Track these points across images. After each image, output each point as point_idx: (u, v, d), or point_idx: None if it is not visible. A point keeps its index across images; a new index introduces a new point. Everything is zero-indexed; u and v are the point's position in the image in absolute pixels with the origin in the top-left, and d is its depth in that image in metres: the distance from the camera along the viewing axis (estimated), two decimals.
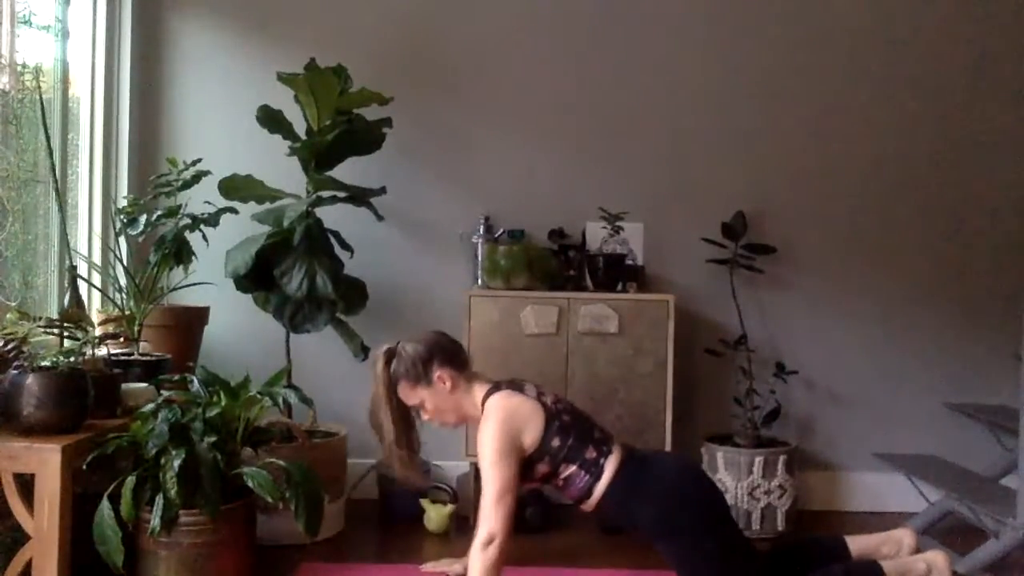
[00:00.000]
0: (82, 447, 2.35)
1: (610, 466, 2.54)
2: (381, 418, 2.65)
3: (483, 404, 2.60)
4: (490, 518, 2.44)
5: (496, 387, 2.63)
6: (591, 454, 2.55)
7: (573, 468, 2.55)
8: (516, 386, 2.64)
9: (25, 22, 2.96)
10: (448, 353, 2.67)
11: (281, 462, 2.66)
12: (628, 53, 3.77)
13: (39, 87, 3.01)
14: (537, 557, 3.05)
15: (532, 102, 3.77)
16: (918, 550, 2.61)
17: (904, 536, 2.63)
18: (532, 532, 3.29)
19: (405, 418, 2.68)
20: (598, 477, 2.53)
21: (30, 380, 2.29)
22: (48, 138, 2.84)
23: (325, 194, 3.35)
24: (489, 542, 2.42)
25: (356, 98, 3.29)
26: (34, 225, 3.12)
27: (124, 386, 2.72)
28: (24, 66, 2.95)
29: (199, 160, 3.26)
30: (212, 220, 3.21)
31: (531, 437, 2.53)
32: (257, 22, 3.74)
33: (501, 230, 3.66)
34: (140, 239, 3.30)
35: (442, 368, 2.63)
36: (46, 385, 2.29)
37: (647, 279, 3.71)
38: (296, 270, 3.19)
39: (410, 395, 2.65)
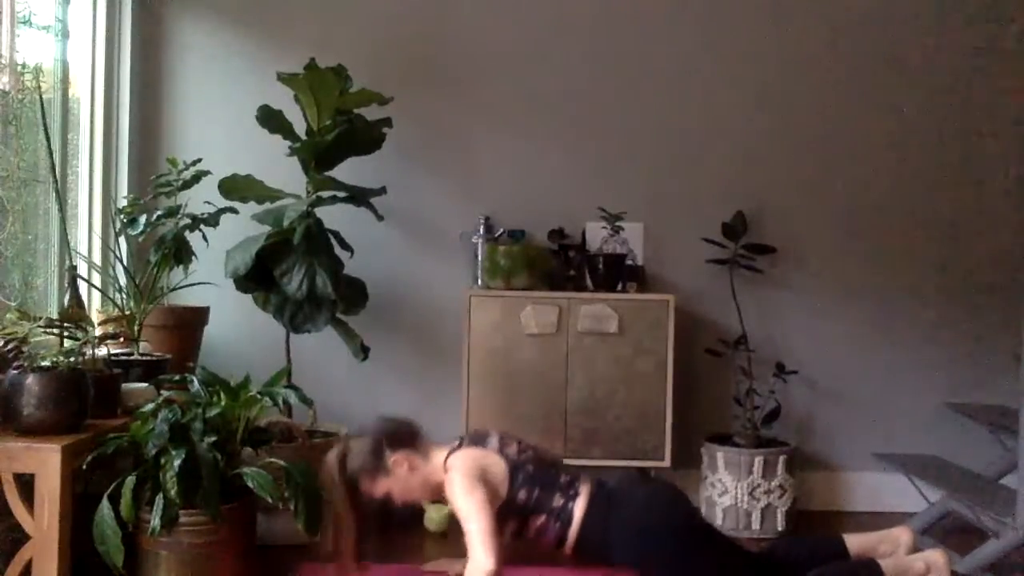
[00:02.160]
0: (82, 447, 2.35)
1: (579, 509, 2.51)
2: (342, 520, 2.56)
3: (445, 463, 2.55)
4: (486, 554, 2.33)
5: (458, 445, 2.61)
6: (558, 501, 2.52)
7: (542, 519, 2.52)
8: (479, 439, 2.62)
9: (25, 22, 2.96)
10: (397, 436, 2.60)
11: (281, 462, 2.65)
12: (628, 53, 3.77)
13: (39, 87, 3.01)
14: (537, 557, 3.04)
15: (532, 102, 3.77)
16: (916, 548, 2.61)
17: (901, 534, 2.63)
18: None
19: (364, 516, 2.59)
20: (568, 523, 2.51)
21: (30, 380, 2.28)
22: (48, 138, 2.84)
23: (325, 194, 3.35)
24: None
25: (356, 98, 3.29)
26: (34, 225, 3.12)
27: (124, 386, 2.72)
28: (24, 66, 2.94)
29: (199, 160, 3.26)
30: (212, 220, 3.21)
31: (497, 491, 2.49)
32: (257, 22, 3.74)
33: (501, 230, 3.66)
34: (140, 239, 3.29)
35: (395, 452, 2.56)
36: (46, 385, 2.29)
37: (647, 279, 3.71)
38: (296, 270, 3.19)
39: (373, 488, 2.57)
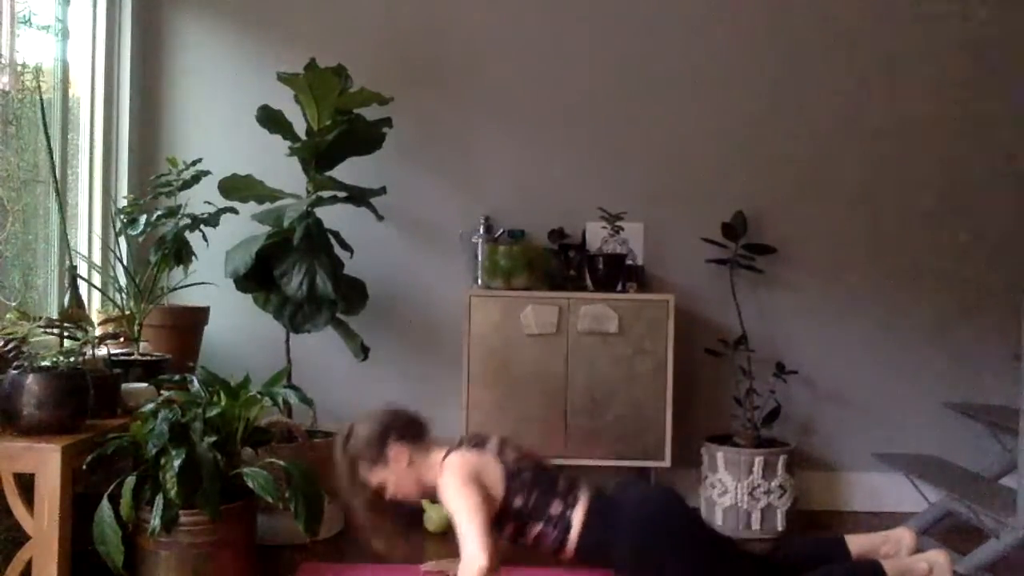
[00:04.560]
0: (82, 447, 2.35)
1: (577, 516, 2.47)
2: (350, 496, 2.58)
3: (442, 464, 2.52)
4: (479, 551, 2.32)
5: (456, 447, 2.56)
6: (556, 508, 2.48)
7: (540, 526, 2.48)
8: (478, 441, 2.58)
9: (25, 22, 2.96)
10: (402, 428, 2.57)
11: (281, 462, 2.65)
12: (628, 53, 3.77)
13: (39, 87, 3.01)
14: (537, 557, 3.04)
15: (532, 102, 3.77)
16: (918, 549, 2.60)
17: (904, 535, 2.63)
18: None
19: (376, 495, 2.59)
20: (567, 530, 2.47)
21: (30, 380, 2.28)
22: (48, 138, 2.83)
23: (325, 194, 3.35)
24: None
25: (356, 98, 3.29)
26: (34, 225, 3.12)
27: (124, 386, 2.72)
28: (24, 66, 2.95)
29: (199, 160, 3.26)
30: (212, 220, 3.21)
31: (493, 495, 2.46)
32: (257, 22, 3.74)
33: (501, 230, 3.66)
34: (140, 239, 3.30)
35: (397, 444, 2.53)
36: (46, 385, 2.29)
37: (647, 279, 3.71)
38: (296, 270, 3.19)
39: (371, 476, 2.55)
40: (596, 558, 2.53)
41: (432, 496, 2.58)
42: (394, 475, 2.54)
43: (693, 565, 2.43)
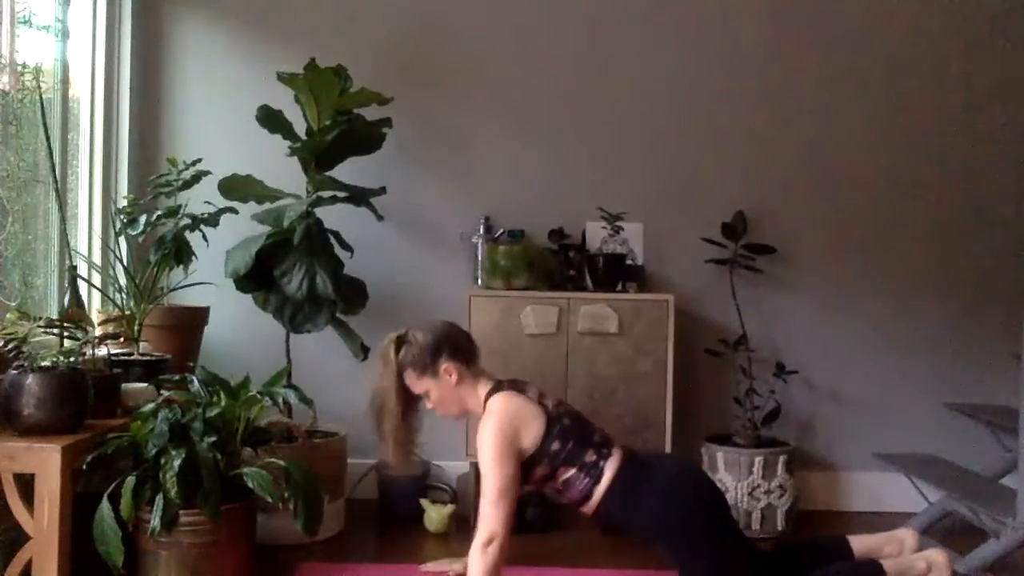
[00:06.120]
0: (82, 447, 2.35)
1: (610, 469, 2.53)
2: (386, 402, 2.65)
3: (485, 402, 2.60)
4: (490, 518, 2.43)
5: (499, 386, 2.63)
6: (591, 457, 2.54)
7: (572, 471, 2.54)
8: (519, 387, 2.64)
9: (25, 22, 2.96)
10: (457, 345, 2.67)
11: (281, 462, 2.65)
12: (628, 53, 3.77)
13: (39, 87, 3.01)
14: (537, 557, 3.05)
15: (532, 102, 3.77)
16: (918, 549, 2.60)
17: (907, 536, 2.63)
18: (533, 533, 3.29)
19: (410, 405, 2.69)
20: (597, 480, 2.52)
21: (30, 380, 2.28)
22: (48, 138, 2.83)
23: (325, 194, 3.35)
24: (489, 542, 2.42)
25: (356, 98, 3.29)
26: (34, 225, 3.12)
27: (124, 386, 2.71)
28: (24, 66, 2.95)
29: (199, 160, 3.26)
30: (212, 220, 3.20)
31: (531, 439, 2.52)
32: (257, 22, 3.74)
33: (501, 230, 3.66)
34: (140, 239, 3.29)
35: (449, 360, 2.63)
36: (46, 385, 2.29)
37: (647, 279, 3.71)
38: (296, 270, 3.19)
39: (416, 384, 2.66)
40: (618, 516, 2.55)
41: (467, 416, 2.74)
42: (440, 389, 2.64)
43: (715, 547, 2.44)
